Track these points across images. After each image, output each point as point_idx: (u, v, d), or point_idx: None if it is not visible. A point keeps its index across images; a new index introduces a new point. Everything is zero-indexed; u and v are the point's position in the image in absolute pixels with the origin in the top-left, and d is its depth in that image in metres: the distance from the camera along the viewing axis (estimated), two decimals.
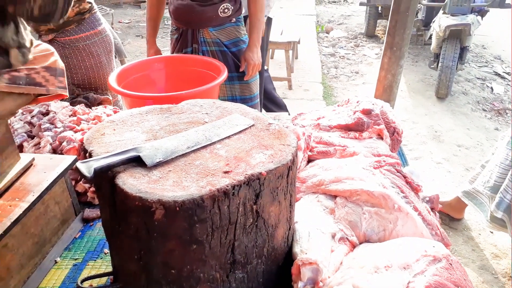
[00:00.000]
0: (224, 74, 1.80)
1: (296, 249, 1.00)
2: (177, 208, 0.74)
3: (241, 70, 2.28)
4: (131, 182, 0.78)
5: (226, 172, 0.82)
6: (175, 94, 1.58)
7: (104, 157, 0.83)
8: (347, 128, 1.62)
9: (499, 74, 5.44)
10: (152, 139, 0.94)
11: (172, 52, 2.33)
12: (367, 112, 1.61)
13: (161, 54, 2.38)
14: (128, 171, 0.82)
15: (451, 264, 0.98)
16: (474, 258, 2.55)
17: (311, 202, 1.23)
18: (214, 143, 0.93)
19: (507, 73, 5.49)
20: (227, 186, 0.78)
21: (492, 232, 2.72)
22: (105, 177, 0.82)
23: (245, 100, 2.41)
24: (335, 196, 1.22)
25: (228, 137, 0.95)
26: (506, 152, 2.25)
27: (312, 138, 1.59)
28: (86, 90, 2.24)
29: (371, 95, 2.51)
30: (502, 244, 2.64)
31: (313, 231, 1.06)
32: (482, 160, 2.56)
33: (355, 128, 1.60)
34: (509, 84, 5.20)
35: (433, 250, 0.98)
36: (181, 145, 0.89)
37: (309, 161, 1.50)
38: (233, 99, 2.38)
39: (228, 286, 0.90)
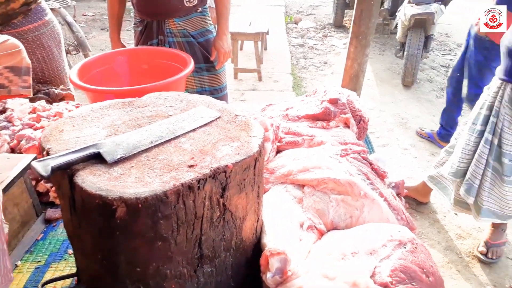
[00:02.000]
0: (191, 66, 1.77)
1: (265, 240, 1.00)
2: (140, 205, 0.72)
3: (212, 59, 2.25)
4: (91, 180, 0.76)
5: (191, 166, 0.80)
6: (138, 87, 1.54)
7: (62, 155, 0.80)
8: (314, 118, 1.63)
9: None
10: (113, 134, 0.91)
11: (137, 45, 2.28)
12: (334, 102, 1.62)
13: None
14: (88, 169, 0.79)
15: (416, 247, 1.00)
16: (439, 240, 2.64)
17: (280, 192, 1.23)
18: (178, 136, 0.91)
19: None
20: (192, 180, 0.77)
21: (456, 214, 2.82)
22: (64, 175, 0.79)
23: (215, 91, 2.39)
24: (303, 186, 1.22)
25: (193, 130, 0.94)
26: (467, 138, 2.32)
27: (281, 128, 1.59)
28: (40, 83, 2.15)
29: (339, 85, 2.54)
30: (465, 225, 2.75)
31: (281, 221, 1.07)
32: (445, 145, 2.64)
33: (322, 118, 1.61)
34: None
35: (398, 234, 1.01)
36: (144, 140, 0.87)
37: (278, 151, 1.51)
38: (202, 91, 2.35)
39: (196, 281, 0.89)
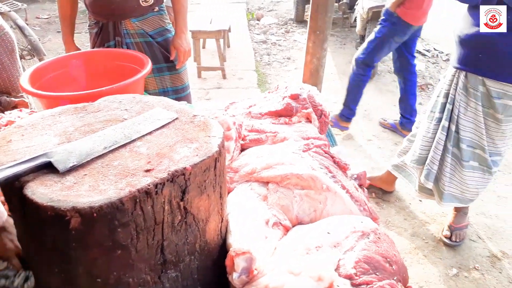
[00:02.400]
0: (148, 67, 1.73)
1: (230, 240, 1.00)
2: (95, 214, 0.70)
3: (171, 58, 2.22)
4: (42, 191, 0.72)
5: (147, 171, 0.78)
6: (93, 91, 1.49)
7: (9, 166, 0.76)
8: (277, 114, 1.63)
9: (420, 51, 5.78)
10: (65, 142, 0.87)
11: (93, 48, 2.21)
12: (295, 97, 1.63)
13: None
14: (39, 179, 0.76)
15: (378, 237, 1.02)
16: (406, 227, 2.72)
17: (245, 191, 1.22)
18: (134, 140, 0.88)
19: (427, 51, 5.86)
20: (149, 186, 0.75)
21: (421, 201, 2.92)
22: (13, 188, 0.75)
23: (177, 91, 2.36)
24: (268, 183, 1.22)
25: (150, 133, 0.91)
26: (427, 125, 2.40)
27: (244, 126, 1.58)
28: None
29: (301, 80, 2.57)
30: (430, 211, 2.85)
31: (246, 220, 1.06)
32: (408, 134, 2.72)
33: (285, 114, 1.62)
34: (429, 61, 5.56)
35: (361, 225, 1.02)
36: (97, 146, 0.84)
37: (243, 149, 1.50)
38: (164, 92, 2.31)
39: (161, 287, 0.87)
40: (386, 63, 5.31)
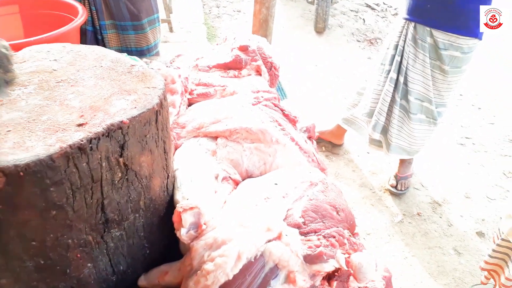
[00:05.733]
0: (81, 18, 1.58)
1: (178, 196, 0.97)
2: (21, 173, 0.64)
3: None
4: None
5: (80, 125, 0.72)
6: (16, 42, 1.33)
7: None
8: (226, 67, 1.57)
9: (369, 5, 5.80)
10: None
11: None
12: (244, 49, 1.58)
13: None
14: None
15: (326, 187, 1.04)
16: (354, 178, 2.82)
17: (192, 146, 1.18)
18: (65, 93, 0.80)
19: (377, 4, 5.88)
20: (82, 141, 0.69)
21: (368, 153, 3.02)
22: None
23: (142, 51, 2.21)
24: (216, 137, 1.19)
25: (82, 85, 0.84)
26: (377, 78, 2.43)
27: (191, 80, 1.52)
28: None
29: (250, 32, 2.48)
30: (378, 162, 2.95)
31: (194, 175, 1.03)
32: (357, 87, 2.75)
33: (234, 66, 1.56)
34: (378, 15, 5.60)
35: (309, 176, 1.03)
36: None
37: (190, 104, 1.44)
38: (128, 51, 2.15)
39: (105, 247, 0.84)
40: (336, 17, 5.28)
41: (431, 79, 2.24)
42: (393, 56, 2.32)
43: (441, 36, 2.11)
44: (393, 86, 2.33)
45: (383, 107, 2.40)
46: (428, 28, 2.13)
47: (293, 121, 1.27)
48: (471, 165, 3.01)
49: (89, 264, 0.82)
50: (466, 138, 3.31)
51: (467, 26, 2.06)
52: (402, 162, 2.71)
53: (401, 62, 2.29)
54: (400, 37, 2.27)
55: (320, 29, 4.81)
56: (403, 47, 2.26)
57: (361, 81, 2.72)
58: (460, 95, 3.84)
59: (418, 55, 2.21)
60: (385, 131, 2.49)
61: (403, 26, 2.25)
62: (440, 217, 2.56)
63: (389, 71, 2.35)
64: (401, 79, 2.30)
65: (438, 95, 2.30)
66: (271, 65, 1.60)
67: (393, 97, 2.37)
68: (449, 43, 2.10)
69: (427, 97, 2.30)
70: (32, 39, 1.36)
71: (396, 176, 2.71)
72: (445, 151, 3.13)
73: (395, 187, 2.69)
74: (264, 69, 1.57)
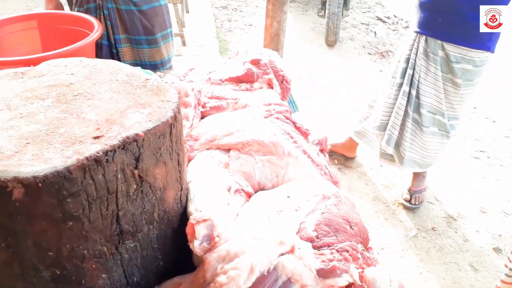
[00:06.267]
0: (97, 33, 1.62)
1: (191, 208, 0.97)
2: (40, 184, 0.65)
3: None
4: None
5: (96, 138, 0.73)
6: (33, 57, 1.37)
7: None
8: (238, 80, 1.59)
9: (380, 18, 5.82)
10: (5, 109, 0.80)
11: (71, 8, 2.05)
12: (256, 62, 1.59)
13: (63, 9, 2.09)
14: None
15: (339, 200, 1.03)
16: (367, 191, 2.80)
17: (205, 159, 1.19)
18: (81, 106, 0.82)
19: (387, 17, 5.90)
20: (98, 153, 0.70)
21: (381, 166, 3.00)
22: None
23: (156, 65, 2.25)
24: (229, 150, 1.20)
25: (98, 98, 0.85)
26: (388, 91, 2.43)
27: (204, 93, 1.53)
28: None
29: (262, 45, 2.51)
30: (391, 175, 2.93)
31: (207, 187, 1.04)
32: (368, 100, 2.74)
33: (246, 80, 1.58)
34: (389, 28, 5.61)
35: (322, 189, 1.02)
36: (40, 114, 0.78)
37: (203, 117, 1.46)
38: (142, 65, 2.20)
39: (119, 258, 0.84)
40: (347, 30, 5.32)
41: (443, 92, 2.23)
42: (404, 69, 2.32)
43: (453, 49, 2.11)
44: (406, 99, 2.33)
45: (397, 121, 2.39)
46: (439, 41, 2.13)
47: (305, 134, 1.27)
48: (486, 179, 2.97)
49: (103, 275, 0.82)
50: (481, 151, 3.27)
51: (479, 39, 2.06)
52: (416, 175, 2.68)
53: (413, 75, 2.28)
54: (411, 50, 2.27)
55: (331, 42, 4.83)
56: (415, 60, 2.26)
57: (372, 94, 2.72)
58: (474, 108, 3.80)
59: (429, 68, 2.21)
60: (397, 144, 2.48)
61: (414, 39, 2.26)
62: (456, 232, 2.52)
63: (400, 84, 2.35)
64: (413, 92, 2.30)
65: (451, 108, 2.29)
66: (282, 78, 1.61)
67: (405, 110, 2.36)
68: (461, 56, 2.10)
69: (440, 110, 2.29)
70: (50, 53, 1.40)
71: (409, 190, 2.68)
72: (460, 164, 3.10)
73: (409, 201, 2.66)
74: (275, 82, 1.58)
